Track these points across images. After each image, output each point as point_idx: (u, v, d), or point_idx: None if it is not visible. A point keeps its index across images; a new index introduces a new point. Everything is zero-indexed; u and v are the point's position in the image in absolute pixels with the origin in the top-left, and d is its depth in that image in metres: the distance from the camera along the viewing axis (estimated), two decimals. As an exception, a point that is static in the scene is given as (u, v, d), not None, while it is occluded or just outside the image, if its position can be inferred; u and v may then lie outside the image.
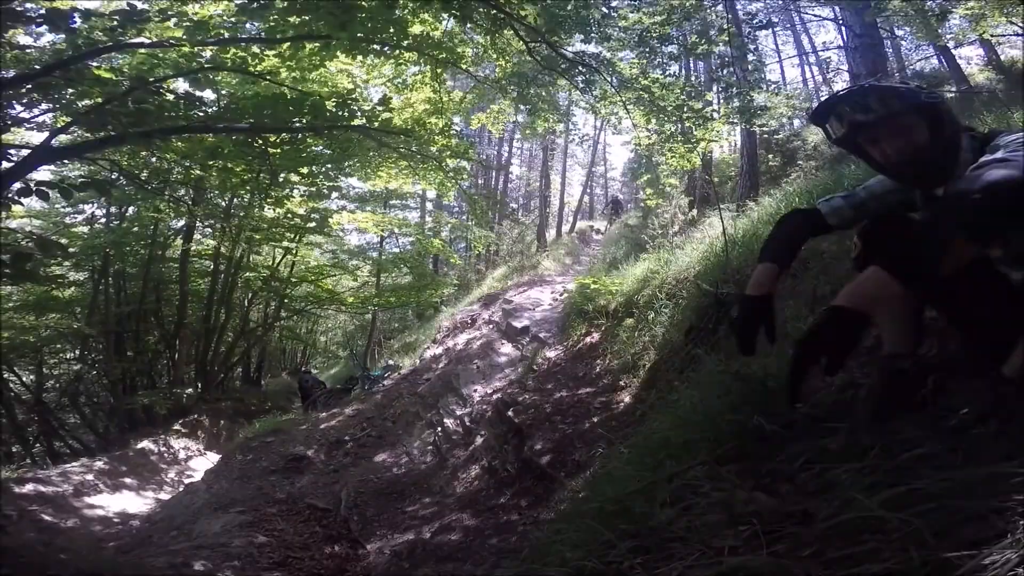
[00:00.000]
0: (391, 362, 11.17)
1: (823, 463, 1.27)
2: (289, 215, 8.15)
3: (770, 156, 10.93)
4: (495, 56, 6.62)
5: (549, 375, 5.74)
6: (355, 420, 7.69)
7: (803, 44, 21.33)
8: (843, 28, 7.52)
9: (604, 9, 5.92)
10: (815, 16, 13.08)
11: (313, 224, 9.01)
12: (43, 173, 6.73)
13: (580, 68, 6.11)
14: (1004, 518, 0.82)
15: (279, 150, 4.88)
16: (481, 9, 4.76)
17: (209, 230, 11.88)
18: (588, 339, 6.09)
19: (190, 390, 10.86)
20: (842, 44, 8.15)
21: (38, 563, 3.16)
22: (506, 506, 3.80)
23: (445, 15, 5.47)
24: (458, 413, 6.24)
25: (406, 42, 5.21)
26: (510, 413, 4.75)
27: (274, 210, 7.78)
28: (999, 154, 1.08)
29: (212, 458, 8.32)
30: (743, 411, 1.62)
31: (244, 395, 12.34)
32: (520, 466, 4.04)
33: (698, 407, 1.94)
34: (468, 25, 5.30)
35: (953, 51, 12.04)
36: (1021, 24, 7.35)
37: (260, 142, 4.70)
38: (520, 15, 5.06)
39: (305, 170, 5.90)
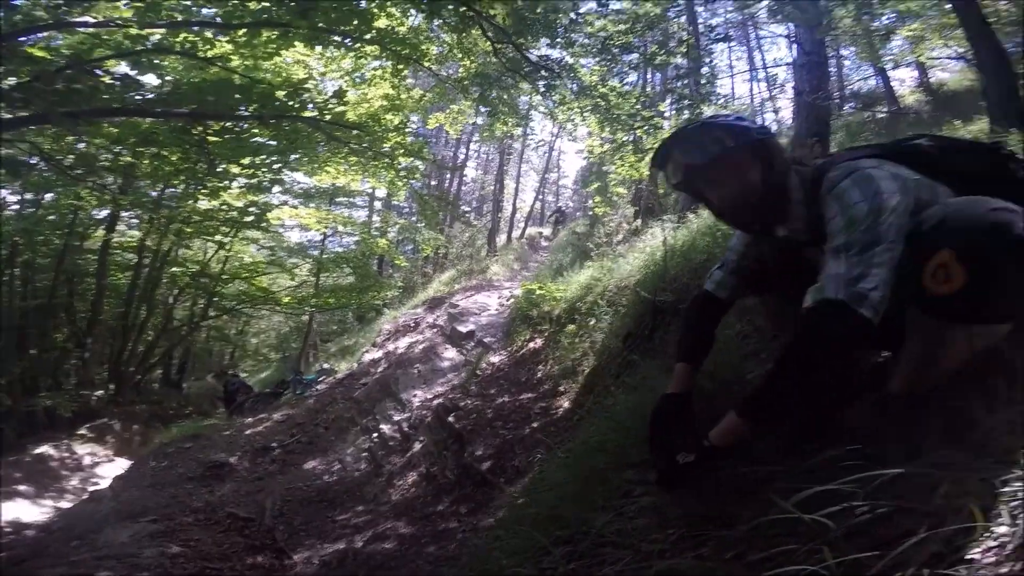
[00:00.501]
0: (326, 366, 10.82)
1: (746, 466, 1.31)
2: (225, 208, 7.71)
3: (714, 168, 11.40)
4: (460, 56, 6.58)
5: (492, 380, 5.72)
6: (284, 426, 7.38)
7: (755, 60, 22.59)
8: (794, 45, 7.98)
9: (572, 15, 5.99)
10: (771, 32, 13.85)
11: (251, 218, 8.53)
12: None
13: (543, 72, 6.17)
14: (910, 517, 0.87)
15: (220, 139, 4.60)
16: (451, 6, 4.70)
17: (135, 221, 11.06)
18: (531, 344, 6.12)
19: (100, 392, 10.08)
20: (791, 61, 8.66)
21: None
22: (445, 513, 3.73)
23: (414, 11, 5.38)
24: (396, 419, 6.10)
25: (369, 35, 5.08)
26: (451, 419, 4.69)
27: (209, 201, 7.33)
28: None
29: (123, 464, 7.80)
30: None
31: (162, 398, 11.64)
32: (460, 472, 3.99)
33: (632, 412, 1.98)
34: (436, 22, 5.24)
35: (890, 72, 13.15)
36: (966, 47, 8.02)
37: (200, 129, 4.42)
38: (489, 14, 5.05)
39: (247, 161, 5.59)
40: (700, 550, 1.11)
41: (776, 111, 21.52)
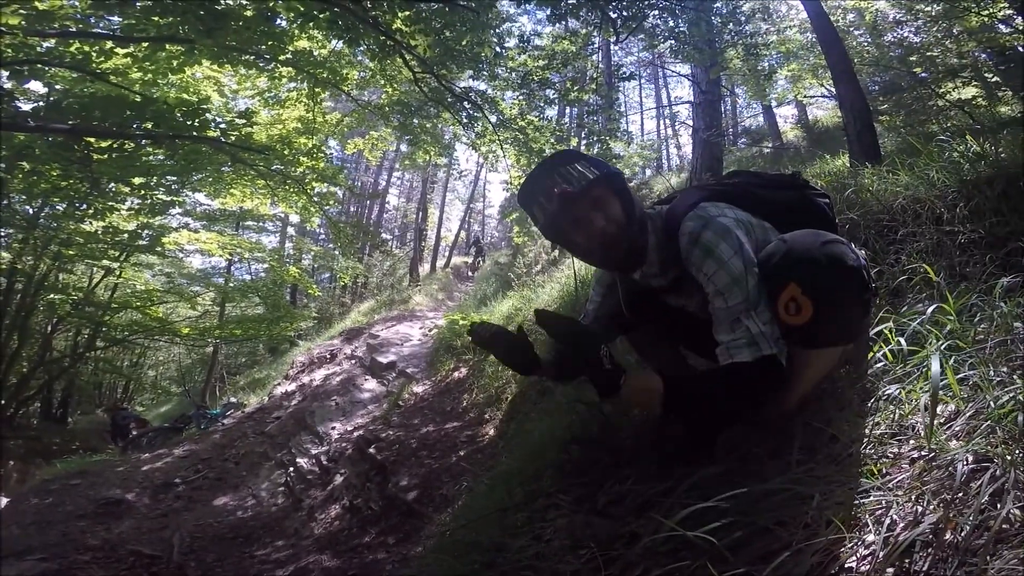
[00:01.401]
0: (234, 399, 10.12)
1: (644, 485, 1.38)
2: (112, 228, 7.01)
3: (622, 202, 12.06)
4: (383, 83, 6.55)
5: (416, 410, 5.64)
6: (188, 461, 6.85)
7: (662, 98, 24.42)
8: (693, 84, 8.70)
9: (497, 48, 6.18)
10: (674, 72, 14.99)
11: (144, 242, 7.79)
12: None
13: (465, 104, 6.29)
14: (787, 530, 0.94)
15: (107, 156, 4.24)
16: (372, 34, 4.71)
17: (4, 241, 9.76)
18: (456, 374, 6.13)
19: (-33, 427, 8.72)
20: (692, 99, 9.45)
21: None
22: (372, 545, 3.65)
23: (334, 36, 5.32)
24: (313, 452, 5.83)
25: (284, 56, 4.95)
26: (372, 450, 4.60)
27: (92, 223, 6.65)
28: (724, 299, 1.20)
29: None
30: (583, 439, 1.77)
31: (43, 433, 10.30)
32: (385, 504, 3.93)
33: (546, 437, 2.07)
34: (361, 47, 5.20)
35: (775, 110, 14.66)
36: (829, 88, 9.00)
37: (83, 144, 4.05)
38: (410, 44, 5.10)
39: (139, 181, 5.16)
40: (609, 570, 1.15)
41: (679, 147, 23.53)
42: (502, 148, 6.76)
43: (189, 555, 4.30)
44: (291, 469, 5.70)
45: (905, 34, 8.47)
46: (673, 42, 7.07)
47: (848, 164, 4.16)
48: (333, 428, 6.21)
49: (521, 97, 7.00)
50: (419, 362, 7.36)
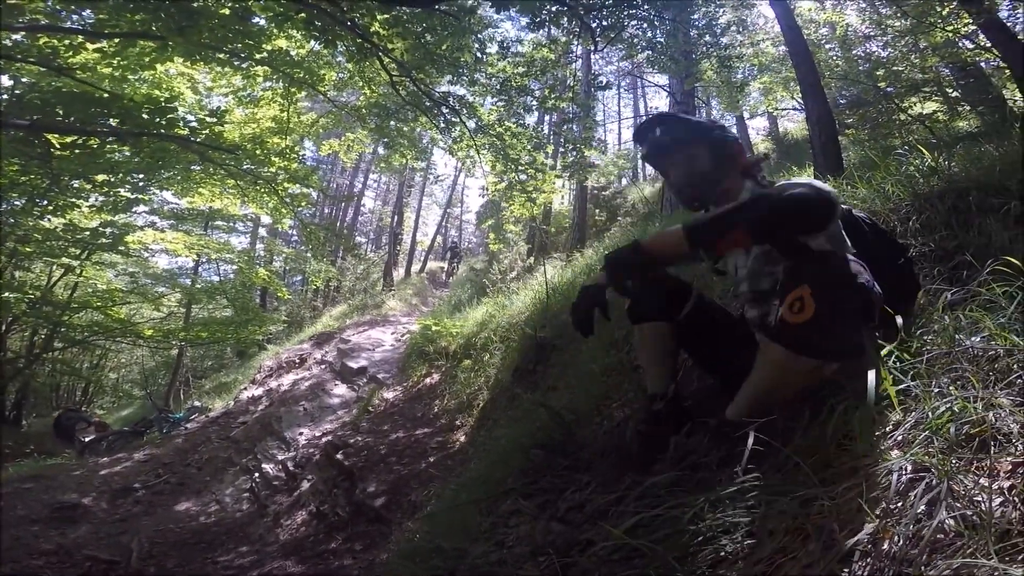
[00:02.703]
0: (198, 403, 9.84)
1: (602, 492, 1.40)
2: (72, 226, 6.75)
3: (597, 211, 12.25)
4: (362, 84, 6.47)
5: (386, 416, 5.59)
6: (148, 465, 6.64)
7: (640, 108, 24.71)
8: (669, 95, 8.82)
9: (478, 54, 6.18)
10: (651, 83, 15.21)
11: (107, 240, 7.49)
12: None
13: (443, 109, 6.26)
14: (732, 539, 0.95)
15: (69, 152, 4.08)
16: (349, 37, 4.66)
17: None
18: (428, 380, 6.09)
19: (-85, 429, 8.25)
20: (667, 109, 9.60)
21: None
22: (338, 551, 3.61)
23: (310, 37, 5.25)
24: (280, 458, 5.71)
25: (259, 55, 4.86)
26: (340, 456, 4.55)
27: (51, 220, 6.39)
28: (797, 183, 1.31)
29: None
30: (545, 445, 1.78)
31: (-4, 436, 9.80)
32: (352, 510, 3.90)
33: (511, 444, 2.07)
34: (340, 48, 5.14)
35: (747, 122, 14.92)
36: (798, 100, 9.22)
37: (40, 141, 3.90)
38: (388, 48, 5.06)
39: (102, 178, 4.98)
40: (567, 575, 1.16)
41: (655, 156, 23.81)
42: (479, 154, 6.75)
43: (148, 560, 4.19)
44: (256, 475, 5.58)
45: (873, 49, 8.61)
46: (651, 52, 7.17)
47: (812, 176, 4.31)
48: (301, 434, 6.09)
49: (500, 104, 7.01)
50: (391, 367, 7.29)
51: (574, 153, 7.35)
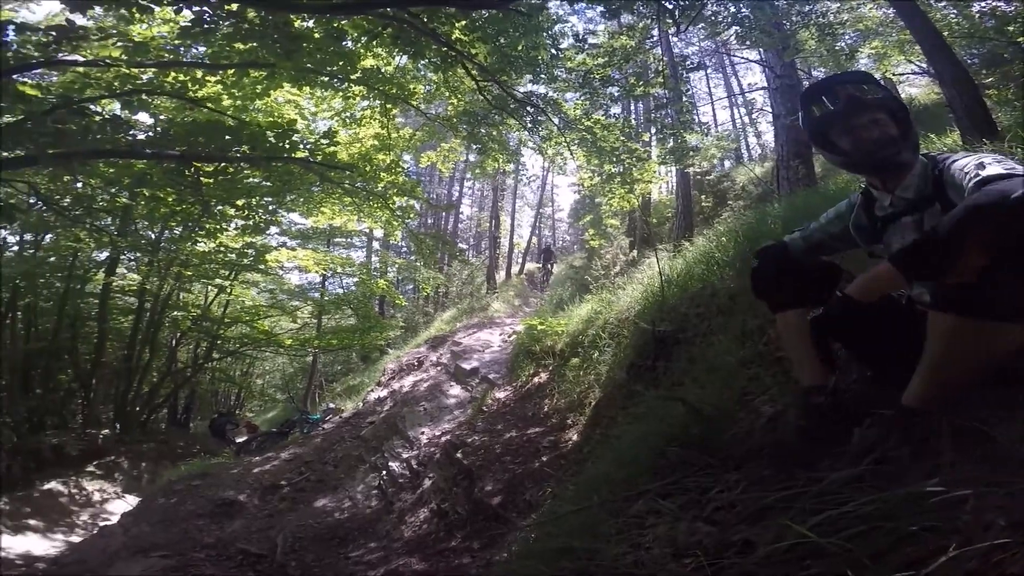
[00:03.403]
0: (332, 405, 10.70)
1: (758, 491, 1.28)
2: (223, 249, 7.75)
3: (703, 197, 11.57)
4: (447, 94, 6.71)
5: (498, 416, 5.65)
6: (292, 464, 7.26)
7: (732, 87, 23.07)
8: (766, 70, 8.18)
9: (552, 51, 6.15)
10: (742, 59, 14.31)
11: (249, 261, 8.56)
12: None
13: (528, 108, 6.29)
14: (936, 536, 0.83)
15: (213, 180, 4.67)
16: (433, 46, 4.85)
17: (134, 264, 11.15)
18: (536, 379, 6.08)
19: (107, 431, 10.01)
20: (766, 86, 8.86)
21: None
22: (458, 549, 3.66)
23: (397, 52, 5.53)
24: (404, 456, 6.01)
25: (355, 75, 5.22)
26: (459, 455, 4.63)
27: (206, 244, 7.37)
28: (988, 164, 1.13)
29: (131, 501, 7.69)
30: (682, 443, 1.64)
31: (169, 437, 11.50)
32: (471, 508, 3.93)
33: (638, 442, 1.95)
34: (422, 62, 5.39)
35: None
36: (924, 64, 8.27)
37: (192, 170, 4.49)
38: (471, 53, 5.19)
39: (241, 202, 5.66)
40: None
41: (758, 135, 22.09)
42: (569, 150, 6.66)
43: (291, 555, 4.50)
44: (384, 472, 5.89)
45: (995, 3, 7.49)
46: (738, 28, 6.68)
47: (961, 141, 3.89)
48: (422, 433, 6.36)
49: (583, 97, 6.89)
50: (500, 368, 7.40)
51: (673, 139, 6.99)
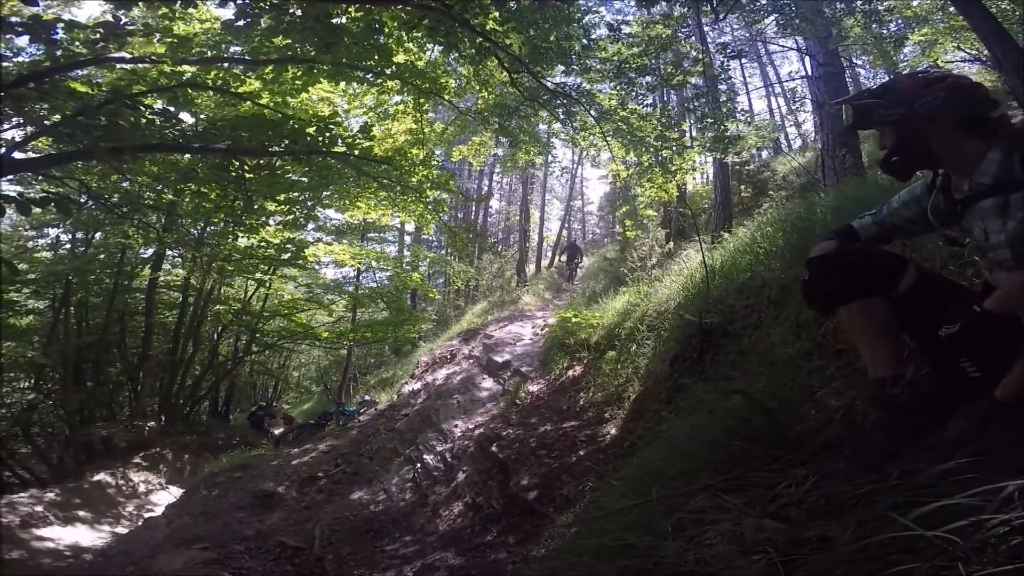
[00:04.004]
0: (367, 397, 10.85)
1: (829, 486, 1.22)
2: (264, 243, 7.95)
3: (742, 187, 11.27)
4: (478, 88, 6.70)
5: (532, 409, 5.61)
6: (329, 456, 7.38)
7: (769, 76, 22.38)
8: (807, 58, 7.93)
9: (584, 41, 6.06)
10: (780, 47, 13.86)
11: (288, 256, 8.80)
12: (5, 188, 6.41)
13: (561, 99, 6.22)
14: None
15: (255, 175, 4.78)
16: (466, 38, 4.84)
17: (179, 260, 11.57)
18: (570, 372, 6.01)
19: (152, 423, 10.37)
20: (806, 74, 8.56)
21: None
22: (493, 544, 3.62)
23: (430, 45, 5.54)
24: (439, 449, 6.03)
25: (389, 70, 5.25)
26: (494, 448, 4.61)
27: (248, 238, 7.58)
28: None
29: (175, 492, 7.96)
30: (744, 436, 1.57)
31: (211, 429, 11.85)
32: (506, 502, 3.89)
33: (693, 435, 1.88)
34: (453, 55, 5.39)
35: None
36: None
37: (236, 164, 4.60)
38: (505, 43, 5.16)
39: (282, 197, 5.79)
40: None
41: (798, 125, 21.33)
42: (605, 141, 6.56)
43: (327, 548, 4.54)
44: (418, 465, 5.90)
45: None
46: (778, 16, 6.45)
47: None
48: (456, 426, 6.37)
49: (619, 88, 6.77)
50: (532, 361, 7.35)
51: (715, 127, 6.80)
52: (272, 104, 5.09)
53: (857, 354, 1.95)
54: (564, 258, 17.60)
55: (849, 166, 6.39)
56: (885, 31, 8.28)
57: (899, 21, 8.80)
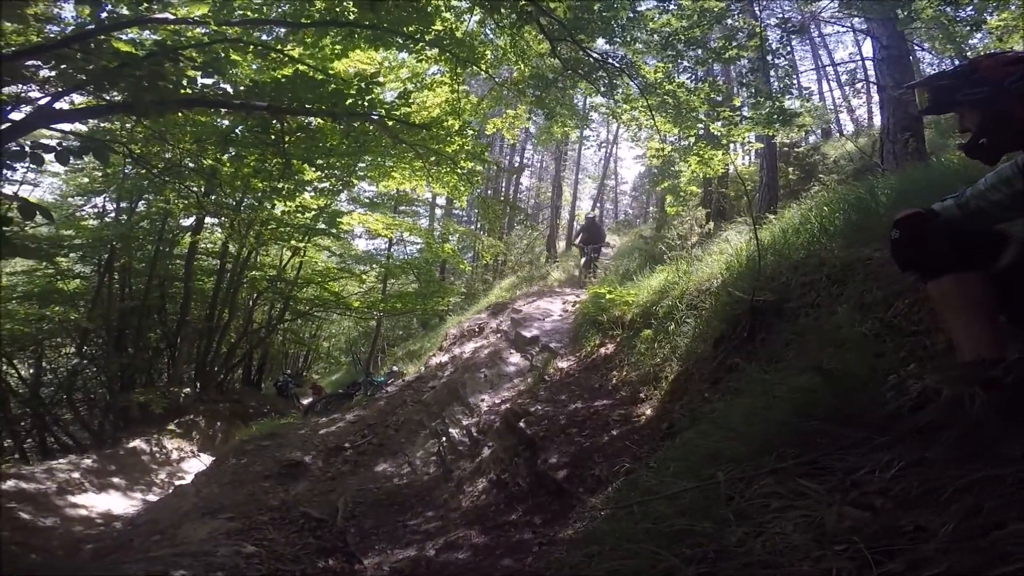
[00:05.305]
0: (395, 368, 10.95)
1: (922, 473, 1.10)
2: (301, 210, 7.99)
3: (790, 170, 10.80)
4: (514, 59, 6.53)
5: (561, 386, 5.52)
6: (356, 426, 7.43)
7: (820, 58, 21.39)
8: (870, 39, 7.47)
9: (631, 13, 5.81)
10: (838, 27, 13.11)
11: (323, 225, 8.89)
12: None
13: (603, 71, 6.00)
14: None
15: (294, 138, 4.76)
16: (508, 2, 4.66)
17: (218, 228, 11.80)
18: (602, 350, 5.88)
19: (188, 389, 10.64)
20: (865, 56, 8.08)
21: (8, 563, 2.95)
22: (518, 523, 3.55)
23: (467, 15, 5.35)
24: (464, 423, 6.01)
25: (429, 37, 5.12)
26: (521, 424, 4.53)
27: (285, 204, 7.64)
28: None
29: (206, 460, 8.10)
30: (816, 418, 1.43)
31: (243, 397, 12.10)
32: (533, 480, 3.81)
33: (751, 416, 1.75)
34: (491, 24, 5.22)
35: None
36: None
37: (276, 125, 4.57)
38: (549, 7, 4.96)
39: (320, 161, 5.78)
40: (886, 567, 0.92)
41: (851, 110, 20.27)
42: (650, 112, 6.31)
43: (350, 520, 4.56)
44: (443, 439, 5.87)
45: None
46: None
47: None
48: (482, 400, 6.33)
49: (666, 60, 6.49)
50: (561, 337, 7.24)
51: (768, 103, 6.47)
52: (312, 70, 5.04)
53: (934, 336, 1.79)
54: (580, 241, 12.20)
55: (912, 151, 6.07)
56: (961, 14, 7.67)
57: (974, 3, 8.18)
